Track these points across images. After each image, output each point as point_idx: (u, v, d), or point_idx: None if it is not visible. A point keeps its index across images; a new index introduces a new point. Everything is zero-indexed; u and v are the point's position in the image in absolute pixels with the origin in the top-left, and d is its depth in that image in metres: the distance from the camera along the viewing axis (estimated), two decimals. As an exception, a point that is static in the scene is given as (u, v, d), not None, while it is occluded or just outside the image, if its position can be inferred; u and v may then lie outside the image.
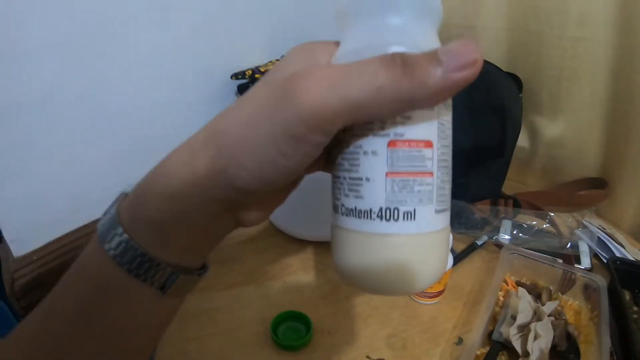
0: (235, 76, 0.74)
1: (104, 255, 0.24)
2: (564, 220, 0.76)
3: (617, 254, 0.69)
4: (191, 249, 0.26)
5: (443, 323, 0.61)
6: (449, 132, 0.23)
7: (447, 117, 0.23)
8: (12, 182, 0.57)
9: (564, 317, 0.57)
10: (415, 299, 0.64)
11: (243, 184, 0.21)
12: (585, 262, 0.68)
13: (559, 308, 0.59)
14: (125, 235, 0.24)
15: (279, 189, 0.24)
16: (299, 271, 0.71)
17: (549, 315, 0.56)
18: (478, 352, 0.54)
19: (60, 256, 0.62)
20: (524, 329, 0.55)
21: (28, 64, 0.54)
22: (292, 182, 0.26)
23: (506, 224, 0.75)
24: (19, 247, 0.60)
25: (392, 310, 0.63)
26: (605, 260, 0.69)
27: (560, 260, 0.66)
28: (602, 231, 0.73)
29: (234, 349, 0.58)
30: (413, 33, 0.23)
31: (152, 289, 0.25)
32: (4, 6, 0.50)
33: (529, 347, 0.52)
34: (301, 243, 0.74)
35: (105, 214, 0.26)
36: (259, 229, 0.77)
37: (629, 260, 0.68)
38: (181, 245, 0.25)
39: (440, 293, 0.63)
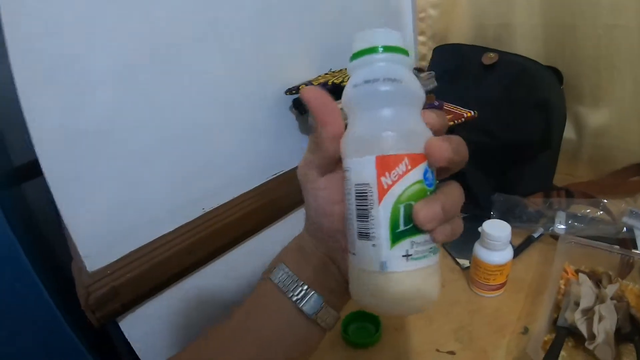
0: (290, 91, 0.81)
1: (267, 282, 0.39)
2: (617, 207, 0.81)
3: (673, 236, 0.73)
4: (319, 278, 0.38)
5: (507, 315, 0.67)
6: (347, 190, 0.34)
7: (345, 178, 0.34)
8: (85, 203, 0.64)
9: (625, 300, 0.62)
10: (479, 293, 0.71)
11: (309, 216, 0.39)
12: (642, 245, 0.72)
13: (620, 292, 0.63)
14: (285, 266, 0.39)
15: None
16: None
17: (611, 299, 0.61)
18: (545, 338, 0.59)
19: (132, 270, 0.68)
20: (588, 313, 0.59)
21: (94, 93, 0.61)
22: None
23: (560, 215, 0.81)
24: (92, 262, 0.67)
25: (456, 305, 0.70)
26: (662, 243, 0.73)
27: (617, 247, 0.72)
28: (658, 214, 0.78)
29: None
30: (400, 120, 0.32)
31: (294, 306, 0.37)
32: (70, 40, 0.58)
33: (595, 329, 0.56)
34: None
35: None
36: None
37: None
38: (314, 264, 0.38)
39: (502, 286, 0.69)
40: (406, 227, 0.31)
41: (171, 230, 0.73)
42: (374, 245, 0.32)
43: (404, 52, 0.34)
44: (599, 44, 0.85)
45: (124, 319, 0.70)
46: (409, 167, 0.31)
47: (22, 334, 0.93)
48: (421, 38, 1.14)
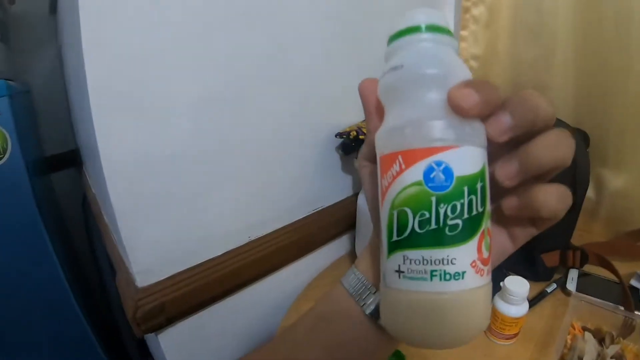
0: (340, 135, 0.95)
1: (339, 286, 0.41)
2: (626, 269, 0.93)
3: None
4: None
5: (517, 362, 0.82)
6: None
7: None
8: (146, 225, 0.73)
9: (624, 359, 0.75)
10: (493, 340, 0.85)
11: None
12: (645, 308, 0.85)
13: (620, 351, 0.76)
14: (356, 270, 0.40)
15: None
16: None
17: (612, 358, 0.74)
18: (549, 389, 0.73)
19: (181, 288, 0.78)
20: (590, 369, 0.73)
21: (169, 121, 0.71)
22: None
23: (573, 273, 0.96)
24: (144, 278, 0.76)
25: (473, 350, 0.83)
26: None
27: (622, 308, 0.86)
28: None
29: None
30: (400, 113, 0.31)
31: (363, 312, 0.37)
32: (152, 70, 0.67)
33: (594, 385, 0.70)
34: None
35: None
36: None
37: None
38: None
39: (515, 335, 0.83)
40: (399, 237, 0.30)
41: (219, 254, 0.86)
42: (381, 252, 0.32)
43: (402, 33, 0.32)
44: (627, 112, 0.98)
45: (163, 331, 0.82)
46: (403, 167, 0.29)
47: (35, 320, 1.06)
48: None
